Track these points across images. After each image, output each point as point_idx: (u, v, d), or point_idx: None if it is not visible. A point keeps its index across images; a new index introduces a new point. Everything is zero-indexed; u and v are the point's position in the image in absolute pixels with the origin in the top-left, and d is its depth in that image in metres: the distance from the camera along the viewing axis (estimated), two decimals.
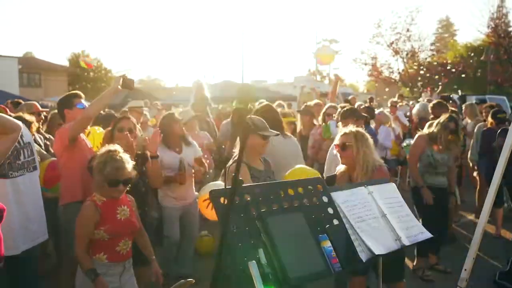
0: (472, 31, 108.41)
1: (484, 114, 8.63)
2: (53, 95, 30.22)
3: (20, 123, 3.10)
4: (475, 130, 7.85)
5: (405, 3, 59.27)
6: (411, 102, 14.35)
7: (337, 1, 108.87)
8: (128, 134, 4.23)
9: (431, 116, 7.14)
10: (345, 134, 3.78)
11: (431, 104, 7.70)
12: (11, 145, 2.99)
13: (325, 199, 2.02)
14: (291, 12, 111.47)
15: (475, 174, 8.02)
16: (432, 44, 25.49)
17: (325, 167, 4.85)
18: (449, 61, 25.28)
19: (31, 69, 33.60)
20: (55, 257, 5.37)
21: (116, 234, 3.20)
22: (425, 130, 5.50)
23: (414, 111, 9.12)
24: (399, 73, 23.76)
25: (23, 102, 6.79)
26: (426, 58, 24.10)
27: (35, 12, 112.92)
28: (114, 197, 3.27)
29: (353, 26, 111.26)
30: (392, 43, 24.73)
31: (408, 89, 24.79)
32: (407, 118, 10.54)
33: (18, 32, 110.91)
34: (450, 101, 13.16)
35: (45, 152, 5.14)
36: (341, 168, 3.91)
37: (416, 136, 5.62)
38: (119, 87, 4.24)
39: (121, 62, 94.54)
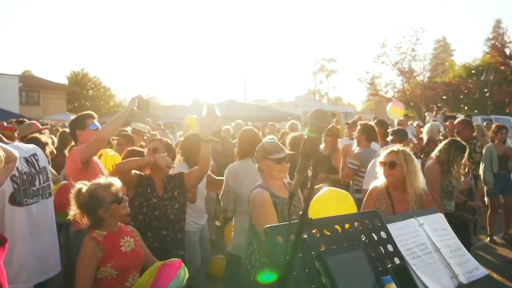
0: (469, 51, 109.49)
1: (491, 134, 8.45)
2: (52, 113, 30.17)
3: (17, 153, 2.89)
4: (484, 151, 7.67)
5: (410, 23, 59.79)
6: (415, 122, 14.25)
7: (335, 21, 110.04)
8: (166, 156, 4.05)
9: (456, 134, 7.11)
10: (393, 152, 3.72)
11: (457, 121, 7.62)
12: (9, 175, 2.83)
13: (383, 234, 1.84)
14: (290, 32, 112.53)
15: (486, 198, 7.83)
16: (430, 63, 25.49)
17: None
18: (452, 82, 25.31)
19: (30, 87, 33.52)
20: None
21: (125, 268, 2.90)
22: (434, 154, 5.29)
23: (424, 131, 9.01)
24: (403, 92, 23.71)
25: (27, 121, 6.64)
26: (430, 78, 24.10)
27: (33, 31, 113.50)
28: (124, 215, 3.02)
29: (351, 45, 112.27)
30: (397, 62, 24.78)
31: (408, 109, 24.81)
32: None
33: (17, 50, 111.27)
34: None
35: (56, 173, 4.98)
36: (378, 184, 3.83)
37: (430, 166, 5.22)
38: (135, 108, 4.11)
39: (120, 80, 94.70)
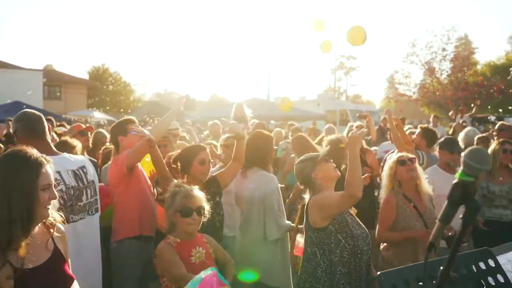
0: (490, 49, 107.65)
1: None
2: (73, 109, 30.32)
3: None
4: None
5: (441, 22, 58.71)
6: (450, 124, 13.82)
7: (355, 17, 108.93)
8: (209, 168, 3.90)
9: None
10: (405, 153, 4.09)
11: (496, 128, 7.03)
12: None
13: (500, 278, 1.61)
14: (311, 31, 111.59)
15: None
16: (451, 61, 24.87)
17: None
18: (483, 82, 24.63)
19: (52, 81, 33.69)
20: None
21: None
22: None
23: (460, 137, 8.63)
24: (433, 93, 23.24)
25: (67, 127, 6.53)
26: (454, 76, 23.53)
27: (55, 25, 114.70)
28: (189, 233, 2.99)
29: (370, 42, 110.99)
30: (427, 62, 24.28)
31: (437, 109, 24.32)
32: None
33: (39, 44, 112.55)
34: (490, 122, 12.74)
35: None
36: (388, 190, 3.96)
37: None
38: (182, 108, 3.98)
39: (139, 75, 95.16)
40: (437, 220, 1.34)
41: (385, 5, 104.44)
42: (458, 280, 1.39)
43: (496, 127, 6.87)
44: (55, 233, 2.15)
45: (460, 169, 1.32)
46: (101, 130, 6.98)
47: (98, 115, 24.45)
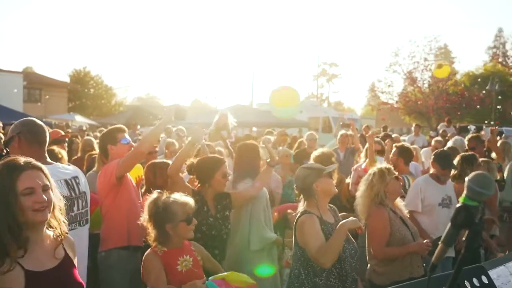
0: (469, 59, 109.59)
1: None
2: (54, 112, 29.92)
3: None
4: (508, 166, 7.41)
5: (424, 32, 59.65)
6: (431, 133, 14.05)
7: (338, 25, 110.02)
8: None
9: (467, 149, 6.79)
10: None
11: (467, 138, 7.28)
12: None
13: None
14: (294, 36, 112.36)
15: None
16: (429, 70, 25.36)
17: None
18: (464, 92, 25.22)
19: (32, 84, 33.21)
20: None
21: None
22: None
23: (450, 145, 8.72)
24: (415, 102, 23.69)
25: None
26: (433, 85, 24.02)
27: (35, 27, 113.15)
28: (185, 240, 3.01)
29: (352, 50, 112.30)
30: (410, 72, 24.71)
31: (419, 119, 24.73)
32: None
33: (18, 46, 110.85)
34: (470, 132, 12.99)
35: None
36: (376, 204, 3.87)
37: None
38: (172, 118, 4.00)
39: (121, 79, 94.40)
40: (439, 243, 1.38)
41: (369, 14, 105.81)
42: None
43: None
44: (65, 241, 2.18)
45: (464, 193, 1.36)
46: (89, 137, 6.94)
47: (80, 119, 24.22)
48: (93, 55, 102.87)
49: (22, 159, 2.06)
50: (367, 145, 6.02)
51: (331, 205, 3.54)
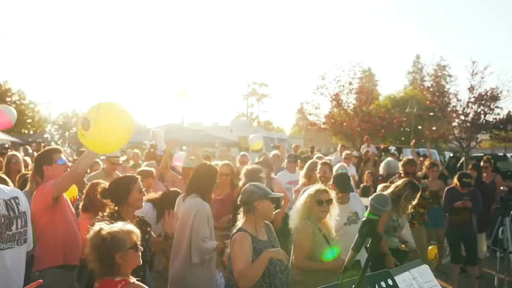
0: (391, 83, 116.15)
1: (424, 169, 8.78)
2: None
3: None
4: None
5: (348, 57, 62.68)
6: (354, 152, 14.80)
7: (268, 46, 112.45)
8: None
9: (402, 172, 7.26)
10: (326, 191, 4.38)
11: (403, 162, 7.55)
12: None
13: None
14: (224, 55, 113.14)
15: None
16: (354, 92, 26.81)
17: None
18: (385, 115, 26.79)
19: None
20: None
21: None
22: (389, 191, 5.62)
23: (381, 167, 9.31)
24: (341, 123, 24.80)
25: None
26: (358, 107, 25.34)
27: None
28: (136, 265, 2.88)
29: (282, 70, 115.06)
30: (336, 94, 25.83)
31: (344, 139, 25.92)
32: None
33: None
34: (390, 152, 13.92)
35: None
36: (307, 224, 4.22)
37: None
38: None
39: (44, 94, 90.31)
40: (350, 249, 1.70)
41: (298, 38, 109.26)
42: None
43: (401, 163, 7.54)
44: None
45: (368, 210, 1.70)
46: (15, 153, 6.81)
47: (1, 136, 23.04)
48: (15, 69, 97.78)
49: None
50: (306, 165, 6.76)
51: (266, 221, 3.78)
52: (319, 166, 6.38)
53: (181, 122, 26.95)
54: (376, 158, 12.44)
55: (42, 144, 15.76)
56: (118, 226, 2.85)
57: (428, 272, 2.58)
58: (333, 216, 4.36)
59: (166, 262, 5.60)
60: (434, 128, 20.77)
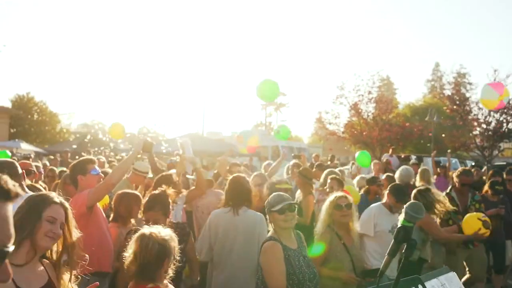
0: (409, 91, 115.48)
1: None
2: None
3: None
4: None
5: (367, 66, 62.56)
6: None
7: (285, 57, 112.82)
8: None
9: (456, 183, 6.75)
10: (344, 196, 4.53)
11: (458, 172, 6.97)
12: None
13: None
14: (242, 66, 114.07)
15: None
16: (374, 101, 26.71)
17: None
18: (405, 124, 26.68)
19: None
20: None
21: None
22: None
23: (397, 175, 9.26)
24: (360, 133, 24.82)
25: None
26: (377, 116, 25.29)
27: None
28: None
29: (300, 79, 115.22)
30: (355, 104, 25.89)
31: (364, 148, 25.84)
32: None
33: None
34: (411, 162, 13.85)
35: None
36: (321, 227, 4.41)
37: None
38: (141, 150, 4.28)
39: (65, 105, 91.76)
40: (386, 254, 1.79)
41: (316, 46, 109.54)
42: None
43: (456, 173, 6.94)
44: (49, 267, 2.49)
45: (402, 217, 1.80)
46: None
47: (26, 147, 23.50)
48: (37, 81, 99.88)
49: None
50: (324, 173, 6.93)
51: (297, 231, 3.86)
52: (328, 181, 6.53)
53: (201, 131, 27.19)
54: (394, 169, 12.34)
55: (68, 154, 16.08)
56: (167, 233, 2.90)
57: (456, 279, 2.66)
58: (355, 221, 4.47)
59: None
60: (455, 136, 20.59)
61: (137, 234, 2.90)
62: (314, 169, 9.02)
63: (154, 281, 2.79)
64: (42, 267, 2.46)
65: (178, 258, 2.92)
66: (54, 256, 2.50)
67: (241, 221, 4.54)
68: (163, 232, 2.90)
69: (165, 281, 2.88)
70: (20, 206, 2.44)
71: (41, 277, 2.43)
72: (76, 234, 2.54)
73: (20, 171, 3.48)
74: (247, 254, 4.42)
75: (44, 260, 2.50)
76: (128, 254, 2.87)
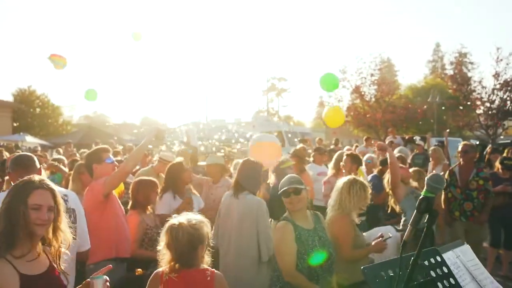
0: (412, 72, 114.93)
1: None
2: None
3: None
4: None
5: (369, 48, 62.39)
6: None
7: (286, 41, 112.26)
8: None
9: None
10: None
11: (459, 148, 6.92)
12: None
13: (445, 269, 2.16)
14: (243, 52, 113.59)
15: None
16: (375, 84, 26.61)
17: None
18: (409, 105, 26.68)
19: None
20: None
21: None
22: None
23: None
24: (364, 115, 24.80)
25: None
26: (379, 98, 25.26)
27: None
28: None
29: (300, 64, 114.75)
30: (358, 87, 25.85)
31: (367, 131, 25.89)
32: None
33: None
34: (415, 143, 13.88)
35: None
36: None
37: None
38: (153, 139, 4.36)
39: (67, 97, 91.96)
40: (409, 225, 1.87)
41: (317, 30, 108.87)
42: (421, 269, 1.92)
43: (460, 149, 6.86)
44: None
45: (424, 189, 1.88)
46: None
47: (31, 140, 23.60)
48: (39, 74, 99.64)
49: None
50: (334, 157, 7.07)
51: (316, 212, 3.92)
52: (344, 157, 6.63)
53: (204, 119, 27.22)
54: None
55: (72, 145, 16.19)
56: (197, 219, 2.93)
57: (469, 251, 2.73)
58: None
59: None
60: (459, 116, 20.59)
61: (166, 226, 2.93)
62: (313, 153, 9.10)
63: (193, 266, 2.85)
64: (42, 252, 2.51)
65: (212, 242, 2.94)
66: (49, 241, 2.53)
67: (239, 205, 4.53)
68: (193, 219, 2.91)
69: (203, 265, 2.91)
70: (6, 195, 2.43)
71: (42, 262, 2.48)
72: (64, 218, 2.56)
73: (38, 165, 3.54)
74: (244, 237, 4.42)
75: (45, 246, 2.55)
76: (161, 246, 2.91)
